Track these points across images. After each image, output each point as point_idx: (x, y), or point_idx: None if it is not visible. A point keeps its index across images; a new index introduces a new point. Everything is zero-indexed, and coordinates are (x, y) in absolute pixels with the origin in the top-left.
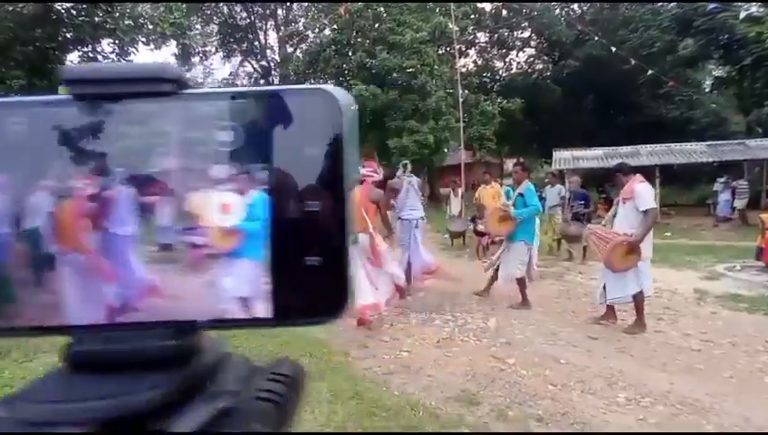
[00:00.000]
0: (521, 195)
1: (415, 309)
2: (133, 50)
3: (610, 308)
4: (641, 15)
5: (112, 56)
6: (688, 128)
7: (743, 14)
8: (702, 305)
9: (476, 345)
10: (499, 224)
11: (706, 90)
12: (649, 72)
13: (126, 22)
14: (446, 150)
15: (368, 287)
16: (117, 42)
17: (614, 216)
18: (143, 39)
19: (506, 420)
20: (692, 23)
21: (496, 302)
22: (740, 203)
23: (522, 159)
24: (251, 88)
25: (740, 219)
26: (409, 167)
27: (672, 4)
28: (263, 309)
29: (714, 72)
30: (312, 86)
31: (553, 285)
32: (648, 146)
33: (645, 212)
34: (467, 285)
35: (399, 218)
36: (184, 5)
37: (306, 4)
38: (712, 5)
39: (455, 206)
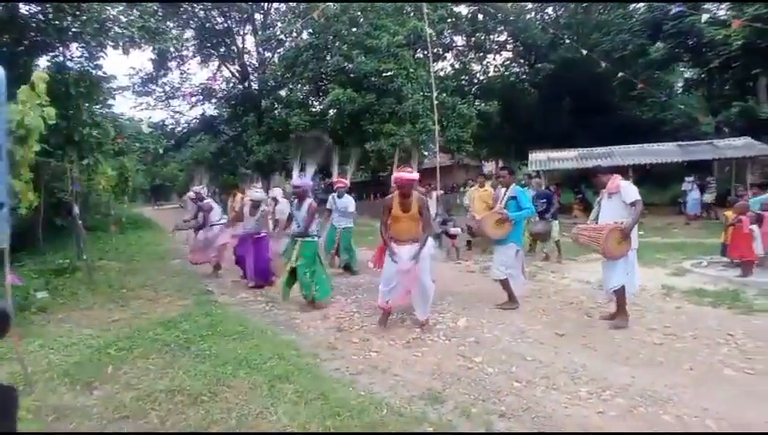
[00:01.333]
0: (512, 198)
1: None
2: (102, 54)
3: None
4: (613, 19)
5: (81, 60)
6: (661, 129)
7: (704, 17)
8: (668, 301)
9: (445, 345)
10: (496, 227)
11: (678, 92)
12: (620, 74)
13: (94, 26)
14: (424, 153)
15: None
16: (84, 46)
17: (596, 217)
18: (111, 43)
19: (469, 416)
20: (661, 26)
21: (468, 302)
22: (709, 197)
23: (508, 164)
24: None
25: (708, 213)
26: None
27: (642, 9)
28: None
29: (684, 75)
30: None
31: (525, 284)
32: (621, 147)
33: (633, 204)
34: (439, 285)
35: None
36: (160, 11)
37: (283, 8)
38: (677, 9)
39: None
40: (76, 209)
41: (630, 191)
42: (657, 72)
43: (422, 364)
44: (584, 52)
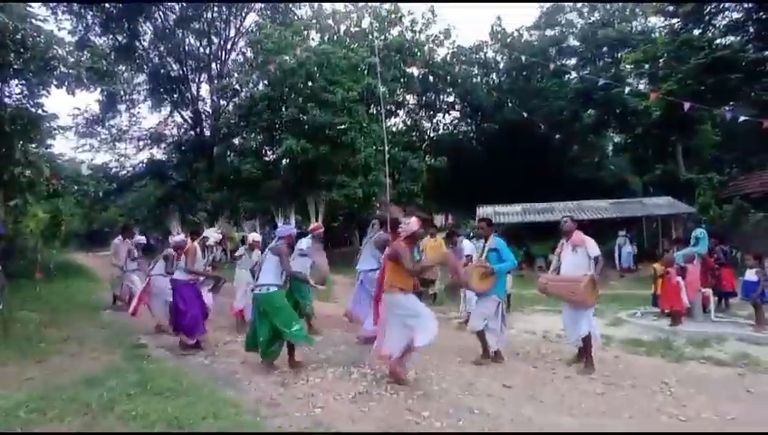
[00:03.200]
0: (493, 250)
1: (333, 363)
2: (44, 92)
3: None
4: (550, 87)
5: (20, 97)
6: (596, 187)
7: (627, 89)
8: (607, 351)
9: (393, 399)
10: (481, 281)
11: (609, 154)
12: (558, 136)
13: (39, 64)
14: (377, 205)
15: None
16: (24, 83)
17: (557, 268)
18: (55, 82)
19: None
20: (592, 95)
21: (417, 354)
22: (633, 249)
23: (485, 216)
24: None
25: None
26: (377, 225)
27: (575, 79)
28: None
29: (614, 139)
30: None
31: (473, 335)
32: (561, 203)
33: (596, 259)
34: None
35: None
36: (112, 53)
37: (240, 59)
38: (604, 81)
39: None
40: None
41: (594, 246)
42: (590, 136)
43: (368, 420)
44: (525, 115)
